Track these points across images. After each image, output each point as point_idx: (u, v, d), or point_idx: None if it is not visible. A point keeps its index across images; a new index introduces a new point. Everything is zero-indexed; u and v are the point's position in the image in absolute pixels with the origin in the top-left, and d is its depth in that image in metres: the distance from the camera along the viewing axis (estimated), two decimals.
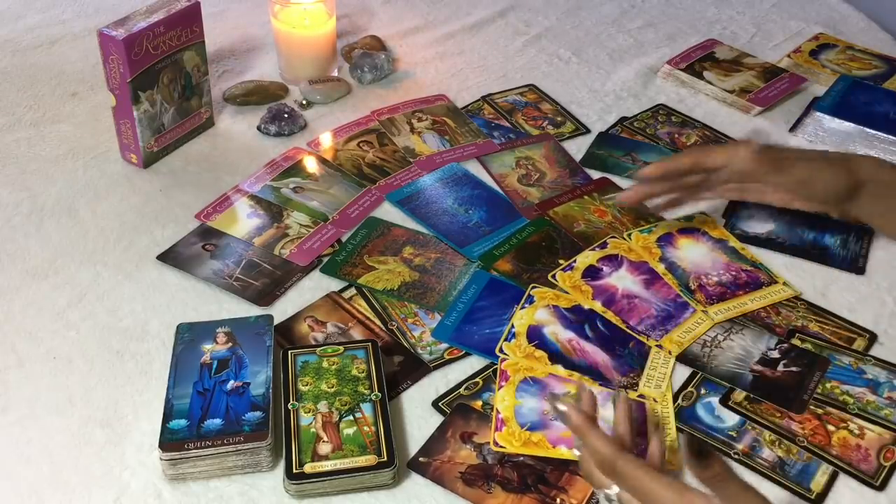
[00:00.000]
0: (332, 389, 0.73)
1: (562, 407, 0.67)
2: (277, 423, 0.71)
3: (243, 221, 0.95)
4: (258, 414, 0.70)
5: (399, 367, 0.79)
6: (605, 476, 0.64)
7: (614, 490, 0.63)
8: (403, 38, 1.29)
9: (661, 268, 0.90)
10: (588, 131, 1.11)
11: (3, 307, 0.84)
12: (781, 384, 0.78)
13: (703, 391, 0.78)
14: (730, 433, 0.75)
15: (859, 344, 0.83)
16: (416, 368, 0.79)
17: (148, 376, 0.78)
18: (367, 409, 0.72)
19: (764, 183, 0.87)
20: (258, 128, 1.09)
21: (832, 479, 0.71)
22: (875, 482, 0.71)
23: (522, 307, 0.85)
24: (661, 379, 0.78)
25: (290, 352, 0.76)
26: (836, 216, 0.88)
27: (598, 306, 0.85)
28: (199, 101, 1.06)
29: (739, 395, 0.78)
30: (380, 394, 0.73)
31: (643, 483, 0.61)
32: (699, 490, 0.59)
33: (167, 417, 0.70)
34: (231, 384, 0.73)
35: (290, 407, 0.72)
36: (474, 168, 1.04)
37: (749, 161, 0.85)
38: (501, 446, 0.72)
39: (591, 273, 0.89)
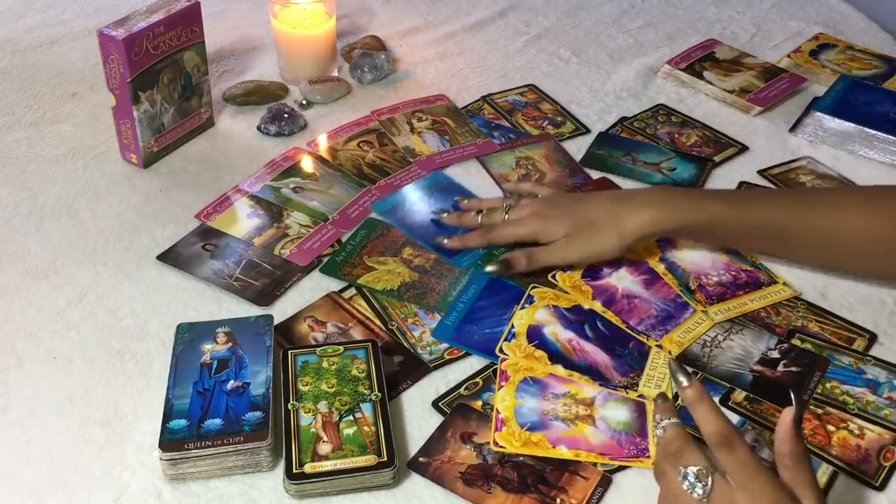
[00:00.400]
0: (332, 389, 0.73)
1: (682, 378, 0.63)
2: (277, 423, 0.71)
3: (243, 221, 0.95)
4: (258, 414, 0.70)
5: (399, 367, 0.79)
6: (713, 449, 0.60)
7: (694, 469, 0.60)
8: (403, 38, 1.29)
9: (661, 268, 0.90)
10: (588, 131, 1.11)
11: (3, 307, 0.84)
12: (781, 384, 0.78)
13: None
14: None
15: (859, 344, 0.83)
16: (416, 368, 0.79)
17: (148, 376, 0.78)
18: (367, 409, 0.72)
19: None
20: (258, 128, 1.09)
21: (832, 479, 0.71)
22: (875, 482, 0.71)
23: (522, 307, 0.85)
24: (661, 379, 0.78)
25: (290, 352, 0.76)
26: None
27: (598, 306, 0.85)
28: (199, 101, 1.06)
29: (739, 395, 0.78)
30: (380, 394, 0.73)
31: (754, 460, 0.59)
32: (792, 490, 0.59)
33: (167, 417, 0.70)
34: (231, 384, 0.73)
35: (290, 407, 0.72)
36: (474, 168, 1.04)
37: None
38: (501, 446, 0.72)
39: (591, 273, 0.89)
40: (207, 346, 0.76)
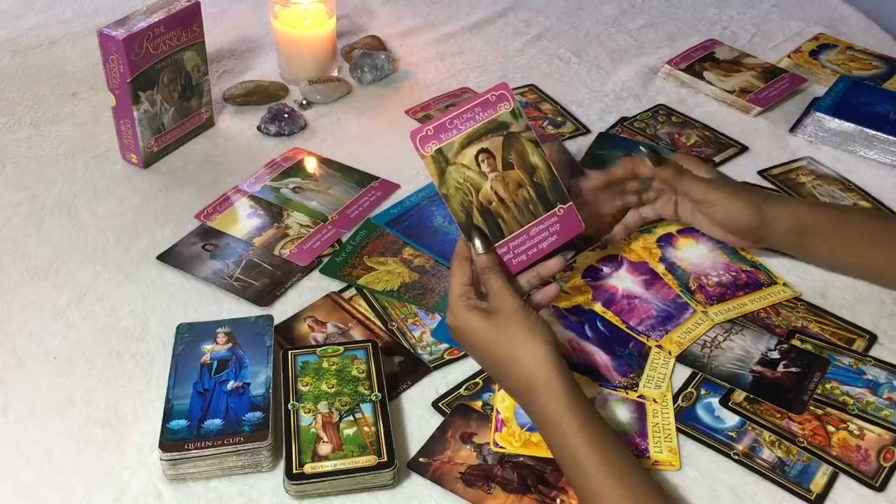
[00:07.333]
0: (333, 390, 0.73)
1: (478, 243, 0.73)
2: (277, 423, 0.71)
3: (243, 221, 0.95)
4: (258, 414, 0.70)
5: (399, 367, 0.79)
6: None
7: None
8: (403, 38, 1.29)
9: (661, 268, 0.90)
10: (588, 131, 1.12)
11: (3, 307, 0.85)
12: (781, 385, 0.78)
13: (703, 392, 0.78)
14: (730, 434, 0.75)
15: (859, 345, 0.83)
16: (416, 369, 0.79)
17: (148, 376, 0.78)
18: (367, 409, 0.72)
19: (682, 195, 0.87)
20: (258, 128, 1.09)
21: (832, 479, 0.71)
22: (875, 483, 0.71)
23: None
24: (661, 379, 0.78)
25: (290, 352, 0.76)
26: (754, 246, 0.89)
27: (598, 307, 0.85)
28: (199, 101, 1.06)
29: (739, 395, 0.78)
30: (380, 394, 0.73)
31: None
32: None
33: (167, 417, 0.70)
34: (231, 384, 0.73)
35: (290, 407, 0.72)
36: None
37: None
38: (501, 447, 0.72)
39: (592, 273, 0.89)
40: (207, 347, 0.76)
